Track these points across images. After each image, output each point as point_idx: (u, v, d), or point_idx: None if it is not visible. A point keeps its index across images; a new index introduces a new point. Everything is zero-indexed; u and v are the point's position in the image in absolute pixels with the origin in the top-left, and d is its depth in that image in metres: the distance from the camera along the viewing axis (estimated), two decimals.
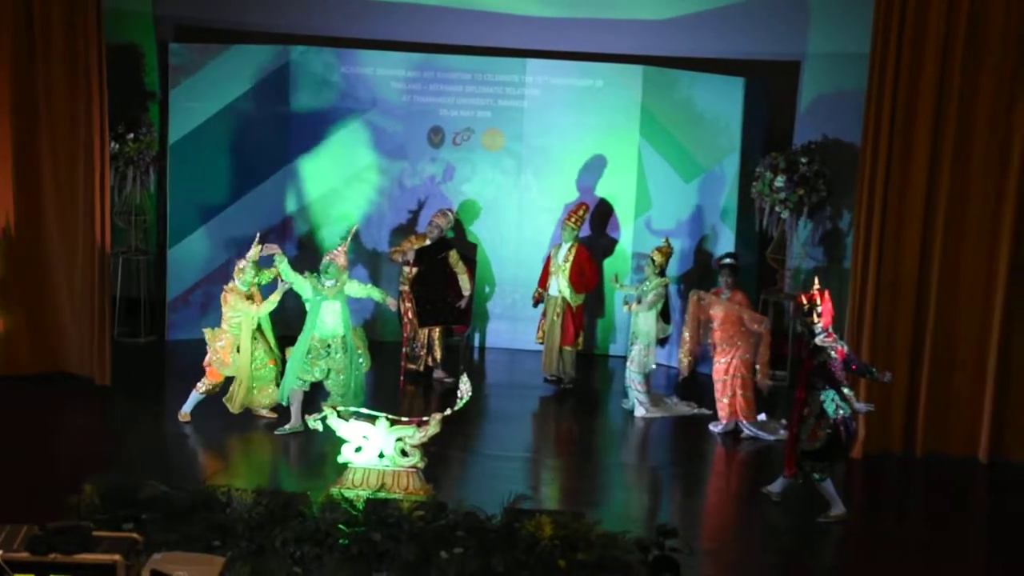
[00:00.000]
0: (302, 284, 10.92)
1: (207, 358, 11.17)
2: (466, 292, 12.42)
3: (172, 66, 12.97)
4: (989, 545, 9.74)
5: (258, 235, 11.19)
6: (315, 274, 10.96)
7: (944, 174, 10.81)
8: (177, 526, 8.31)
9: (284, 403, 11.05)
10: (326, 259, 10.94)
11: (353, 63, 13.25)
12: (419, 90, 13.29)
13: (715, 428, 11.52)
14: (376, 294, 11.32)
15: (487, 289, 13.44)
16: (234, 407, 11.17)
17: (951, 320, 11.01)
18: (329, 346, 10.93)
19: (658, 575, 7.09)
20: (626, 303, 11.90)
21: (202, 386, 11.14)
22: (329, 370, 10.95)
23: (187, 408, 11.18)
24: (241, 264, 11.04)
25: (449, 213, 12.52)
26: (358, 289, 11.14)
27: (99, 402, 11.62)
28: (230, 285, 11.08)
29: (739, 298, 11.47)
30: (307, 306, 10.97)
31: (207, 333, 11.18)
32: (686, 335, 11.63)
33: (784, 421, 11.41)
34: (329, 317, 10.89)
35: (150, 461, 10.15)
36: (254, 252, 11.02)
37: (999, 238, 10.83)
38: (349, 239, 11.20)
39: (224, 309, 11.07)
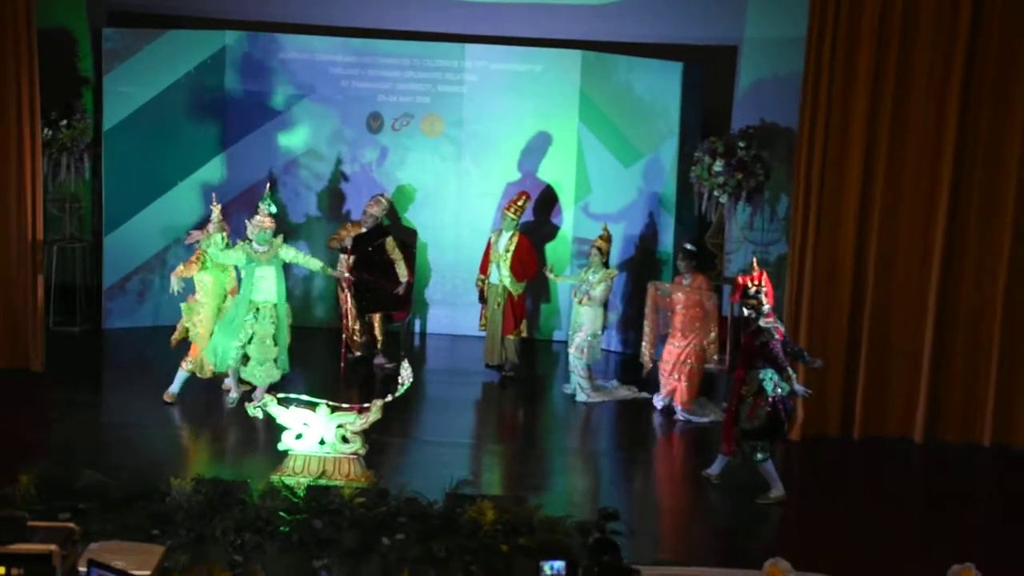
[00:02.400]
0: (235, 255, 10.88)
1: (176, 334, 11.08)
2: (403, 279, 12.38)
3: (106, 51, 12.81)
4: (925, 524, 9.86)
5: (214, 195, 11.20)
6: (248, 241, 10.91)
7: (880, 158, 10.91)
8: (115, 515, 8.24)
9: (222, 370, 10.99)
10: (255, 227, 10.87)
11: (290, 48, 13.15)
12: (357, 76, 13.22)
13: (657, 401, 11.58)
14: (313, 264, 11.25)
15: (428, 275, 13.41)
16: (205, 373, 11.14)
17: (887, 304, 11.12)
18: (257, 311, 10.88)
19: (598, 558, 7.11)
20: (576, 295, 11.86)
21: (188, 364, 11.06)
22: (253, 335, 10.89)
23: (174, 388, 11.11)
24: (209, 228, 10.93)
25: (382, 199, 12.45)
26: (293, 255, 11.09)
27: (35, 391, 11.46)
28: (197, 252, 10.97)
29: (699, 281, 11.52)
30: (242, 274, 10.92)
31: (184, 308, 11.09)
32: (647, 327, 11.66)
33: (724, 404, 11.47)
34: (263, 283, 10.86)
35: (87, 450, 10.04)
36: (216, 214, 10.95)
37: (935, 220, 10.95)
38: (268, 199, 11.09)
39: (197, 277, 10.99)
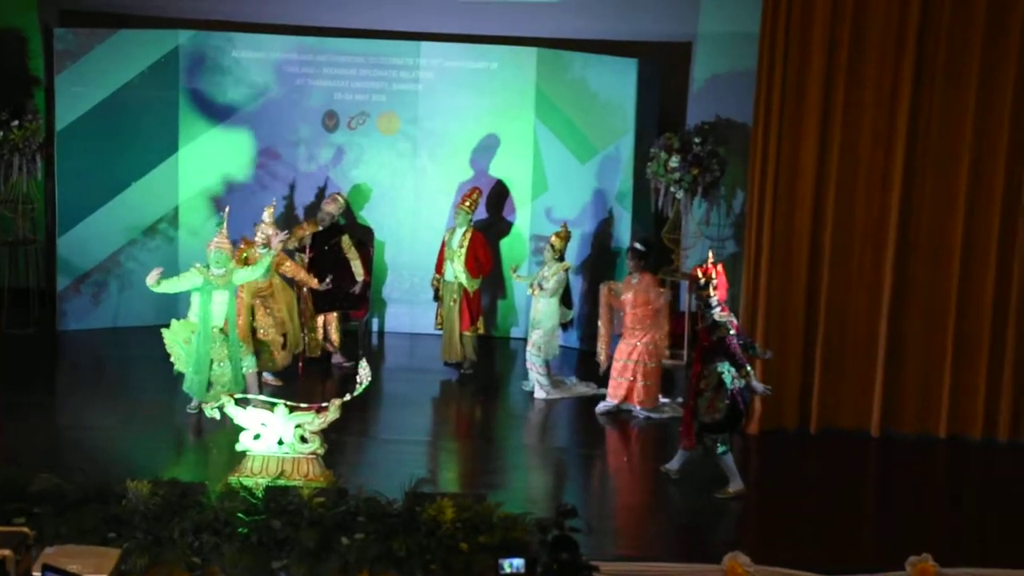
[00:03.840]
0: (189, 278, 10.69)
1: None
2: (360, 278, 12.35)
3: (58, 51, 12.70)
4: (882, 516, 9.93)
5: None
6: (205, 265, 10.77)
7: (834, 152, 10.97)
8: (70, 519, 8.17)
9: (200, 397, 10.81)
10: (213, 248, 10.74)
11: (244, 47, 13.07)
12: (313, 74, 13.17)
13: (599, 408, 11.56)
14: (262, 267, 10.96)
15: (385, 274, 13.38)
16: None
17: (843, 297, 11.19)
18: (211, 334, 10.79)
19: (556, 554, 7.11)
20: (531, 287, 11.90)
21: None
22: (211, 359, 10.80)
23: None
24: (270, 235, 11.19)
25: (339, 198, 12.44)
26: (244, 275, 10.92)
27: None
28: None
29: (647, 280, 11.52)
30: (196, 296, 10.75)
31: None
32: (602, 328, 11.66)
33: (680, 400, 11.53)
34: (216, 307, 10.73)
35: (41, 453, 9.94)
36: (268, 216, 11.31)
37: (888, 214, 11.02)
38: (226, 222, 10.98)
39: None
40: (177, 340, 10.83)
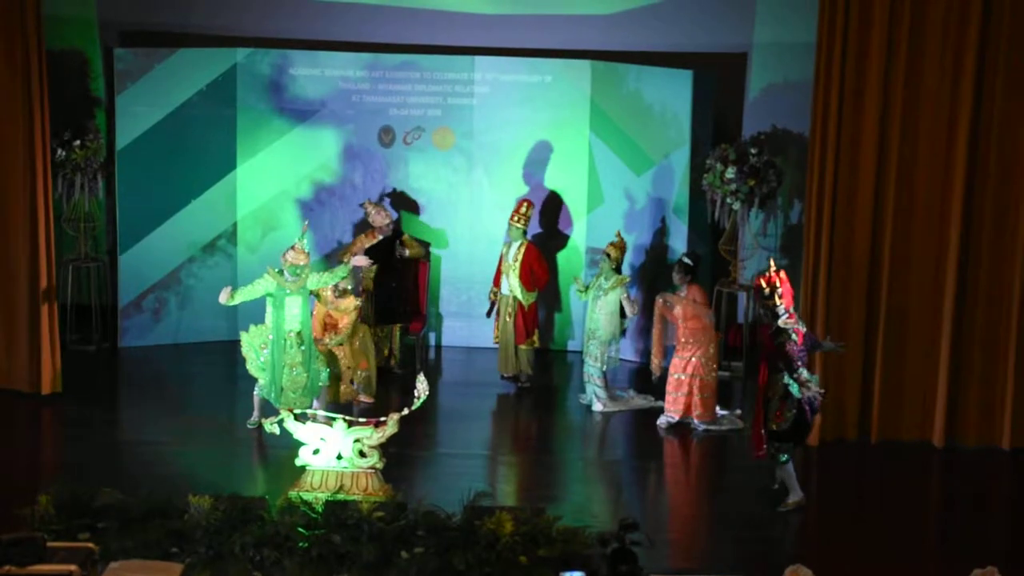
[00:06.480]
0: (263, 285, 10.76)
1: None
2: (410, 250, 12.49)
3: (118, 71, 12.86)
4: (946, 528, 9.83)
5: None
6: (279, 271, 10.83)
7: (892, 161, 10.90)
8: (134, 534, 8.26)
9: (278, 404, 10.81)
10: (289, 262, 10.75)
11: (301, 64, 13.18)
12: (368, 90, 13.24)
13: (660, 421, 11.52)
14: (338, 273, 11.06)
15: (442, 288, 13.43)
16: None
17: (903, 307, 11.10)
18: (284, 340, 10.83)
19: (616, 567, 7.11)
20: (581, 290, 11.92)
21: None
22: (284, 365, 10.84)
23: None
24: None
25: (369, 207, 12.48)
26: (318, 279, 10.93)
27: (50, 411, 11.48)
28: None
29: (694, 293, 11.49)
30: (270, 302, 10.83)
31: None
32: (655, 337, 11.64)
33: (739, 411, 11.48)
34: (289, 312, 10.78)
35: (105, 469, 10.06)
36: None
37: (948, 223, 10.93)
38: (304, 236, 11.04)
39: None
40: (254, 345, 10.89)
